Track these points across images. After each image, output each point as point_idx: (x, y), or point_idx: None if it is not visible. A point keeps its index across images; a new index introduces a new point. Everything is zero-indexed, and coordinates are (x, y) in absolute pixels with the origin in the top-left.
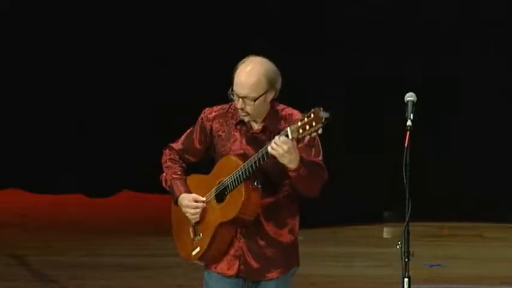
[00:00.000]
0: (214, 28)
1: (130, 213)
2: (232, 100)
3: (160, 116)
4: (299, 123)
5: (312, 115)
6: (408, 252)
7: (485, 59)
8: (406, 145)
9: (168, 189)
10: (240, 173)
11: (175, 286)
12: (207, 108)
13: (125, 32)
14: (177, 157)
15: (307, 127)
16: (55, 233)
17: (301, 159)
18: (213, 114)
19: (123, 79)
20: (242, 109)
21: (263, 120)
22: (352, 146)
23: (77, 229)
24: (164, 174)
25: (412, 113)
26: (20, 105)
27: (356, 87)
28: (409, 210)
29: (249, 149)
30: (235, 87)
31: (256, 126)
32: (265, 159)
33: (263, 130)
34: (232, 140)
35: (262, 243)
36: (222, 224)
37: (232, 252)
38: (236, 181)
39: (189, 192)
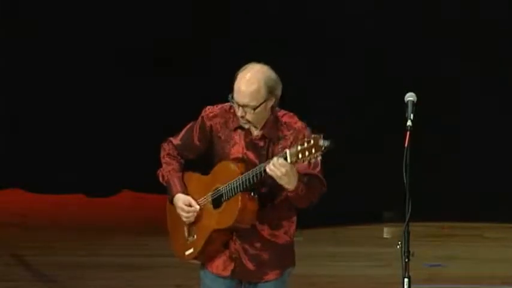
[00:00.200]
0: (214, 28)
1: (130, 213)
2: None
3: (160, 116)
4: (298, 148)
5: (312, 141)
6: (408, 252)
7: (485, 58)
8: (406, 145)
9: (164, 184)
10: (237, 184)
11: (175, 286)
12: (208, 107)
13: (124, 31)
14: (175, 152)
15: (306, 153)
16: (55, 233)
17: (300, 179)
18: (214, 113)
19: (123, 79)
20: (242, 117)
21: (263, 127)
22: (353, 146)
23: (77, 229)
24: (162, 169)
25: (412, 113)
26: (20, 105)
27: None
28: (409, 210)
29: (248, 154)
30: (235, 96)
31: (256, 133)
32: (263, 175)
33: (262, 137)
34: (231, 144)
35: (258, 245)
36: (217, 230)
37: (227, 253)
38: (232, 191)
39: (186, 192)
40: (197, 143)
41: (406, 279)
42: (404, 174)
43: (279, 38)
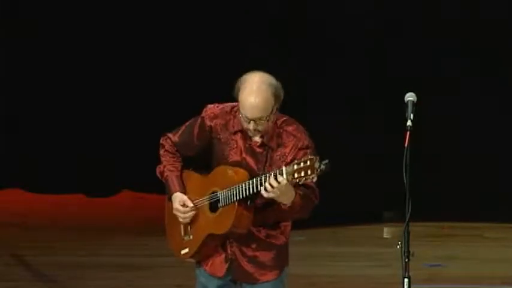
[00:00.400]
0: (214, 28)
1: (130, 213)
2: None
3: (160, 116)
4: (295, 167)
5: (308, 162)
6: (408, 252)
7: (485, 59)
8: (406, 145)
9: (163, 181)
10: (234, 192)
11: (175, 286)
12: (209, 106)
13: (124, 32)
14: (174, 149)
15: (302, 173)
16: (55, 233)
17: (296, 191)
18: (215, 114)
19: (123, 79)
20: (255, 130)
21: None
22: (353, 146)
23: (77, 229)
24: (161, 166)
25: (412, 113)
26: (20, 105)
27: (357, 87)
28: (409, 210)
29: (247, 159)
30: (244, 112)
31: (256, 139)
32: (260, 190)
33: (262, 144)
34: (231, 147)
35: (254, 246)
36: (212, 234)
37: (224, 255)
38: (229, 199)
39: (184, 191)
40: (196, 142)
41: (406, 279)
42: (404, 174)
43: (279, 38)
